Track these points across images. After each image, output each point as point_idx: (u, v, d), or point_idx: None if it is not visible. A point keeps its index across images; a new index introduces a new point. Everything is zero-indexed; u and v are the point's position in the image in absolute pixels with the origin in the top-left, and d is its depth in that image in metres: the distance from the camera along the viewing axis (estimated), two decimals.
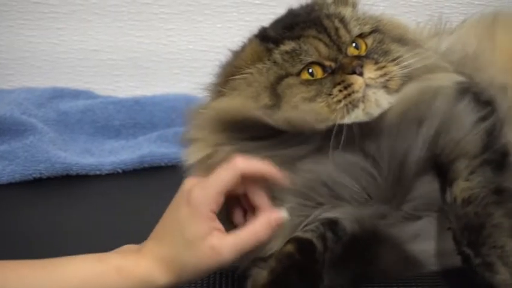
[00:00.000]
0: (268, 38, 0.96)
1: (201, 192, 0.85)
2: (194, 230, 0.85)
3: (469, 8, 1.77)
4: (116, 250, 0.90)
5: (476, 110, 0.96)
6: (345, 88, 0.88)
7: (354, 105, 0.88)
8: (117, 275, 0.84)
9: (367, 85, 0.89)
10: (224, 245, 0.85)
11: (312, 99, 0.90)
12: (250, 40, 0.98)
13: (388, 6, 1.79)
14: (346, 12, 0.97)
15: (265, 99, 0.91)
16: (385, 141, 0.92)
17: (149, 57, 1.78)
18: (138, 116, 1.63)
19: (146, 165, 1.46)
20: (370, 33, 0.97)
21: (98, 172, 1.44)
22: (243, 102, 0.91)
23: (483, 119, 0.95)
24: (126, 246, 0.91)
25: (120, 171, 1.45)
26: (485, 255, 0.86)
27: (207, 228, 0.85)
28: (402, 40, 0.98)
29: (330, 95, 0.89)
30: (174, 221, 0.87)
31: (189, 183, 0.88)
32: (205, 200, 0.85)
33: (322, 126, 0.88)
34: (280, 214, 0.88)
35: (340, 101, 0.88)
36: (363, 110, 0.88)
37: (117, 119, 1.62)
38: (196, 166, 0.93)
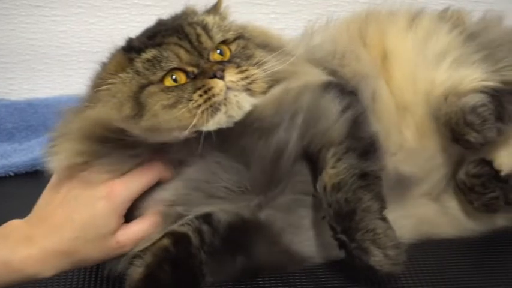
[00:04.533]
0: (132, 48, 0.96)
1: (125, 192, 0.89)
2: (110, 226, 0.89)
3: (355, 6, 1.80)
4: (1, 228, 0.91)
5: (340, 100, 0.99)
6: (205, 92, 0.89)
7: (215, 108, 0.89)
8: (5, 269, 0.86)
9: (229, 88, 0.90)
10: (127, 238, 0.91)
11: (173, 106, 0.89)
12: (115, 51, 0.98)
13: (277, 5, 1.81)
14: (210, 20, 0.99)
15: (128, 109, 0.90)
16: (255, 138, 0.94)
17: (42, 59, 1.76)
18: (31, 119, 1.62)
19: (38, 167, 1.44)
20: (235, 39, 0.98)
21: None
22: (106, 113, 0.90)
23: (347, 107, 0.99)
24: (10, 224, 0.91)
25: (12, 174, 1.45)
26: (359, 240, 0.91)
27: (119, 224, 0.90)
28: (267, 46, 1.00)
29: (191, 100, 0.89)
30: (87, 216, 0.89)
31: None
32: (128, 199, 0.90)
33: (185, 133, 0.88)
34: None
35: (200, 105, 0.88)
36: (225, 113, 0.89)
37: (9, 122, 1.60)
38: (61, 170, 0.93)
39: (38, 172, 1.44)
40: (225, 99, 0.89)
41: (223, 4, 1.06)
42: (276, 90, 0.94)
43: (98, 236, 0.89)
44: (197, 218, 0.95)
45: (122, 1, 1.73)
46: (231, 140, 0.93)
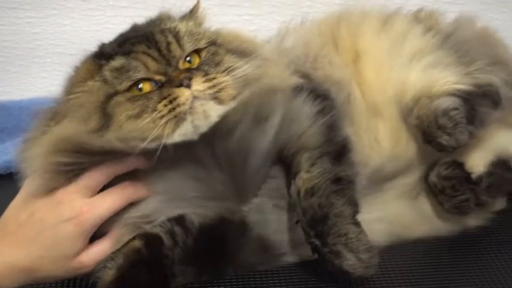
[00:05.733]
0: (102, 55, 0.94)
1: (93, 217, 0.89)
2: (76, 249, 0.89)
3: (329, 7, 1.78)
4: None
5: (313, 104, 0.99)
6: (170, 102, 0.86)
7: (180, 118, 0.86)
8: None
9: (195, 97, 0.87)
10: (89, 259, 0.91)
11: (137, 116, 0.87)
12: (87, 57, 0.96)
13: (251, 6, 1.79)
14: (182, 27, 0.96)
15: (95, 121, 0.88)
16: (224, 143, 0.94)
17: (16, 61, 1.74)
18: (5, 121, 1.60)
19: (12, 170, 1.41)
20: (206, 47, 0.96)
21: None
22: (73, 129, 0.88)
23: (321, 112, 0.99)
24: None
25: None
26: (332, 244, 0.92)
27: (85, 245, 0.90)
28: (239, 51, 0.98)
29: (155, 110, 0.86)
30: (53, 237, 0.88)
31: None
32: (96, 223, 0.90)
33: (151, 144, 0.86)
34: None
35: (163, 115, 0.86)
36: (192, 122, 0.86)
37: None
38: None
39: (12, 174, 1.42)
40: (191, 108, 0.87)
41: (200, 8, 1.04)
42: (245, 94, 0.93)
43: (62, 257, 0.90)
44: (169, 220, 0.95)
45: (97, 3, 1.71)
46: (199, 147, 0.92)
